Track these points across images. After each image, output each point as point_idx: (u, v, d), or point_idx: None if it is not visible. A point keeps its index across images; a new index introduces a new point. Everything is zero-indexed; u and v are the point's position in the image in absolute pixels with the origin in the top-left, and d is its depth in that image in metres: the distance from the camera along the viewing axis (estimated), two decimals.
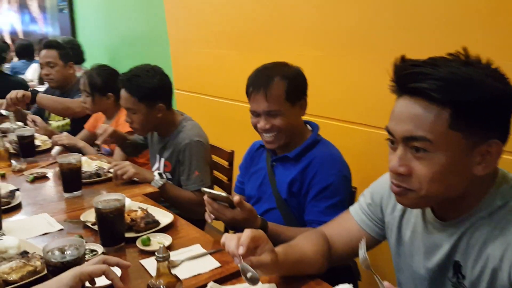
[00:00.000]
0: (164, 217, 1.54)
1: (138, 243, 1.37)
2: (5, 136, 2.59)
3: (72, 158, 1.79)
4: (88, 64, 4.53)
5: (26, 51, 5.87)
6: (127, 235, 1.41)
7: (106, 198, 1.38)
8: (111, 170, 1.92)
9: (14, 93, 2.73)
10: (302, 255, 1.17)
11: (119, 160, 2.26)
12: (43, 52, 3.04)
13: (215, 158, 2.27)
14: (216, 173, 2.27)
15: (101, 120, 2.68)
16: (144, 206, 1.61)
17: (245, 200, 1.75)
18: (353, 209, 1.26)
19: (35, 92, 2.84)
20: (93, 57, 4.72)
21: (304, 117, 1.66)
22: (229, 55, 2.73)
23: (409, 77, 0.89)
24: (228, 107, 2.77)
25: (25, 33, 7.87)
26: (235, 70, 2.66)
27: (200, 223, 1.72)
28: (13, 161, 2.19)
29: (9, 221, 1.56)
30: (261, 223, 1.41)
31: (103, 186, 1.93)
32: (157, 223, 1.47)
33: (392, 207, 1.15)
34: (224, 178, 2.27)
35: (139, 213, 1.51)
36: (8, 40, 7.80)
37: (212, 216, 1.38)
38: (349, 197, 1.62)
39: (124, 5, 4.25)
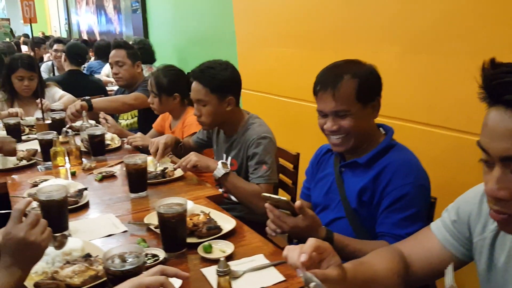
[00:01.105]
0: (227, 222, 1.49)
1: (200, 250, 1.32)
2: (78, 134, 2.69)
3: (138, 158, 1.79)
4: (158, 64, 4.65)
5: (104, 51, 6.13)
6: (189, 240, 1.37)
7: (168, 202, 1.35)
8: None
9: (72, 108, 2.84)
10: (374, 273, 1.06)
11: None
12: (113, 52, 3.14)
13: (280, 160, 2.19)
14: (281, 176, 2.20)
15: (168, 120, 2.71)
16: (207, 210, 1.56)
17: (311, 207, 1.67)
18: (435, 226, 1.12)
19: (88, 100, 2.94)
20: (163, 57, 4.84)
21: (377, 120, 1.53)
22: (297, 54, 2.64)
23: (503, 87, 0.75)
24: (295, 107, 2.68)
25: (101, 33, 8.28)
26: (303, 69, 2.56)
27: (263, 228, 1.65)
28: (84, 159, 2.26)
29: (76, 221, 1.58)
30: (325, 234, 1.32)
31: (167, 187, 1.92)
32: (219, 229, 1.42)
33: (482, 226, 1.00)
34: (288, 181, 2.18)
35: (202, 217, 1.47)
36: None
37: (275, 232, 1.31)
38: (427, 208, 1.47)
39: (193, 5, 4.29)
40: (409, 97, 1.91)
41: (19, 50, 8.19)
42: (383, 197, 1.42)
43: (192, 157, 1.90)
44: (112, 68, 3.18)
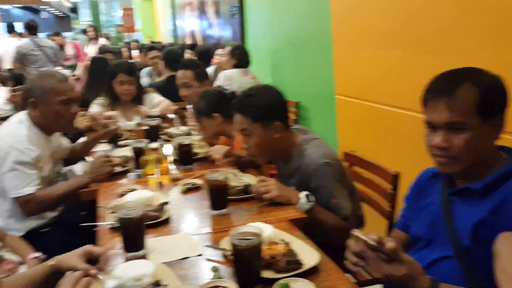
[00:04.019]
0: (310, 256, 1.31)
1: None
2: (169, 141, 2.70)
3: (219, 174, 1.70)
4: (253, 68, 4.61)
5: (205, 56, 6.29)
6: (265, 274, 1.22)
7: (244, 230, 1.22)
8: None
9: None
10: None
11: None
12: (180, 72, 3.09)
13: (374, 177, 1.95)
14: (375, 196, 1.96)
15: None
16: (288, 237, 1.41)
17: (409, 240, 1.43)
18: None
19: None
20: (258, 61, 4.78)
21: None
22: (400, 58, 2.35)
23: None
24: (396, 117, 2.39)
25: (203, 37, 8.55)
26: (406, 74, 2.28)
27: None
28: (172, 168, 2.24)
29: (154, 239, 1.53)
30: (430, 285, 1.08)
31: (249, 204, 1.80)
32: (300, 264, 1.26)
33: None
34: (384, 203, 1.94)
35: (281, 247, 1.31)
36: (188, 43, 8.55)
37: (357, 267, 1.12)
38: None
39: (289, 8, 4.16)
40: None
41: (130, 55, 8.80)
42: None
43: (274, 189, 1.74)
44: (179, 89, 3.12)
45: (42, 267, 1.27)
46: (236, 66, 4.48)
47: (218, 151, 2.18)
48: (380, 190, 1.96)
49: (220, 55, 5.32)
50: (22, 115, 2.15)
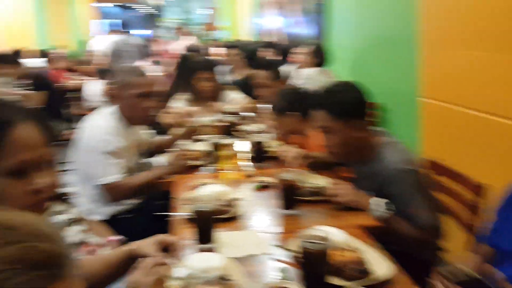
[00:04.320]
0: (381, 266, 1.25)
1: None
2: (244, 138, 2.73)
3: (292, 175, 1.68)
4: (334, 67, 4.52)
5: (285, 54, 6.28)
6: (332, 280, 1.19)
7: (313, 233, 1.19)
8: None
9: None
10: None
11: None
12: (256, 72, 3.13)
13: (458, 188, 1.82)
14: (458, 207, 1.82)
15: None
16: (360, 244, 1.35)
17: (493, 255, 1.31)
18: None
19: None
20: (339, 60, 4.69)
21: None
22: (500, 60, 2.15)
23: None
24: (488, 124, 2.20)
25: (285, 35, 8.56)
26: (503, 78, 2.09)
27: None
28: (246, 165, 2.26)
29: (223, 233, 1.55)
30: None
31: (322, 207, 1.76)
32: (369, 274, 1.20)
33: None
34: (467, 215, 1.79)
35: (351, 254, 1.26)
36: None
37: None
38: None
39: (374, 8, 4.02)
40: None
41: (213, 52, 9.08)
42: None
43: (347, 193, 1.70)
44: (255, 89, 3.17)
45: (119, 251, 1.34)
46: (316, 65, 4.43)
47: (291, 152, 2.15)
48: (465, 201, 1.81)
49: (300, 54, 5.29)
50: (111, 108, 2.30)
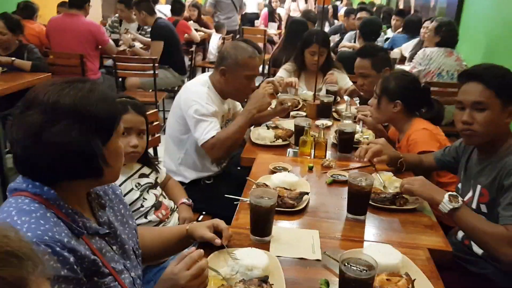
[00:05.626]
0: None
1: None
2: (338, 121, 2.64)
3: (364, 179, 1.60)
4: (462, 48, 4.07)
5: (413, 26, 5.79)
6: None
7: (359, 256, 1.14)
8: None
9: None
10: None
11: None
12: (357, 60, 2.81)
13: None
14: None
15: (396, 133, 2.37)
16: (416, 271, 1.26)
17: None
18: None
19: None
20: (470, 41, 4.21)
21: None
22: None
23: None
24: None
25: (416, 5, 7.88)
26: None
27: None
28: (328, 154, 2.20)
29: (282, 228, 1.55)
30: None
31: (392, 216, 1.66)
32: None
33: None
34: None
35: (402, 283, 1.18)
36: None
37: None
38: None
39: None
40: None
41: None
42: None
43: (420, 186, 1.63)
44: (357, 78, 2.88)
45: (178, 229, 1.43)
46: (439, 44, 4.02)
47: (375, 147, 1.97)
48: None
49: (426, 29, 4.83)
50: (206, 77, 2.38)
